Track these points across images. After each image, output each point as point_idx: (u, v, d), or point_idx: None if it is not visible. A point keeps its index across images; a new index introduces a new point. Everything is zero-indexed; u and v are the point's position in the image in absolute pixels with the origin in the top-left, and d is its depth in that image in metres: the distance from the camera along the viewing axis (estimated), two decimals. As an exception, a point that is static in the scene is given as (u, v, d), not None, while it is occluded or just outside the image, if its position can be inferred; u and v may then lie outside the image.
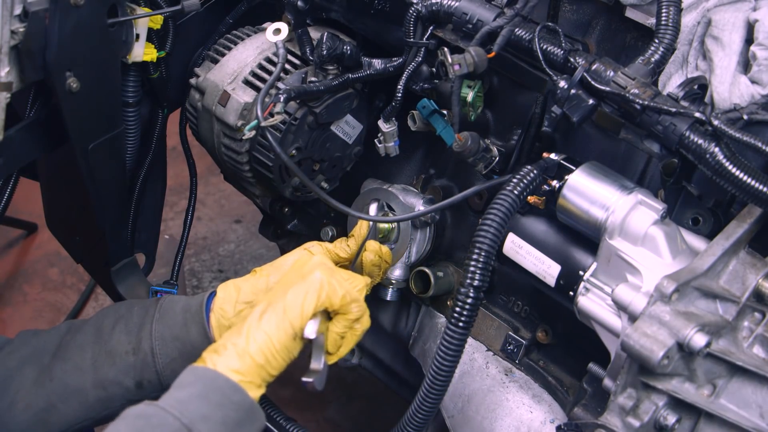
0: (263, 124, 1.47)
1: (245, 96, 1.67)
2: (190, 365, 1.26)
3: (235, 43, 1.76)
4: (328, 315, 1.38)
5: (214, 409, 1.16)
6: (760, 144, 1.22)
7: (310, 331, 1.30)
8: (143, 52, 1.73)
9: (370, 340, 1.96)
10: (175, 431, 1.12)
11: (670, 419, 1.21)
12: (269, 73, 1.68)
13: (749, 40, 1.34)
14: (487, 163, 1.58)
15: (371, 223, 1.63)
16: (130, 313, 1.51)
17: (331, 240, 1.89)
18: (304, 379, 1.34)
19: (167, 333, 1.46)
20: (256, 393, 1.24)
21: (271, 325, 1.28)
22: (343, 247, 1.61)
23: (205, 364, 1.24)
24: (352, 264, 1.59)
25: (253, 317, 1.30)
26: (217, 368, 1.22)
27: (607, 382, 1.32)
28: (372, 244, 1.59)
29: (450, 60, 1.44)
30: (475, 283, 1.31)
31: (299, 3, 1.68)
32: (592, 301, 1.36)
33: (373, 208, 1.70)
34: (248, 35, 1.78)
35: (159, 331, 1.46)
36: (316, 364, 1.36)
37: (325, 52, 1.61)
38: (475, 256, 1.31)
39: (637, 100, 1.28)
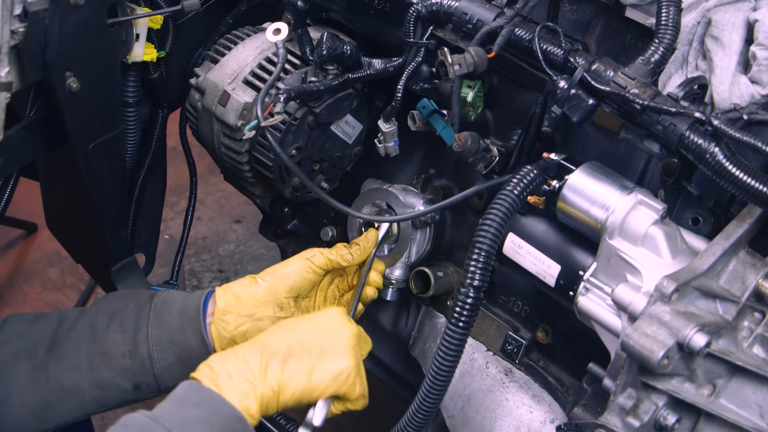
0: (263, 124, 1.47)
1: (245, 96, 1.67)
2: (193, 379, 1.25)
3: (235, 43, 1.76)
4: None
5: None
6: (760, 144, 1.22)
7: (318, 419, 1.32)
8: (143, 52, 1.73)
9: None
10: None
11: (670, 419, 1.21)
12: (269, 73, 1.68)
13: (749, 40, 1.34)
14: (487, 163, 1.58)
15: (379, 234, 1.64)
16: (125, 311, 1.50)
17: (331, 240, 1.89)
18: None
19: (164, 337, 1.46)
20: (254, 422, 1.25)
21: (289, 385, 1.28)
22: (344, 256, 1.60)
23: (214, 384, 1.24)
24: (359, 287, 1.62)
25: (275, 362, 1.29)
26: (223, 395, 1.21)
27: (607, 382, 1.32)
28: (378, 265, 1.65)
29: (450, 60, 1.44)
30: (475, 283, 1.31)
31: (299, 3, 1.68)
32: (592, 301, 1.36)
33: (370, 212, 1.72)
34: (248, 35, 1.78)
35: (156, 336, 1.46)
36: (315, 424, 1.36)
37: (325, 52, 1.61)
38: (475, 256, 1.31)
39: (637, 100, 1.28)
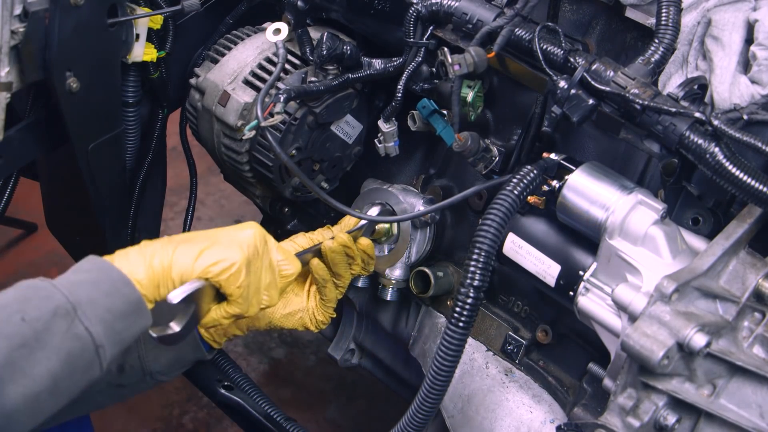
0: (263, 124, 1.47)
1: (245, 96, 1.67)
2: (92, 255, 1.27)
3: (235, 43, 1.76)
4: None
5: (102, 296, 1.17)
6: (760, 144, 1.22)
7: (175, 295, 1.26)
8: (143, 52, 1.73)
9: (370, 340, 1.96)
10: (60, 306, 1.13)
11: (670, 419, 1.21)
12: (269, 73, 1.68)
13: (749, 40, 1.34)
14: (487, 163, 1.58)
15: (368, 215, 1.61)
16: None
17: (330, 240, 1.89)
18: (153, 333, 1.29)
19: None
20: (147, 294, 1.24)
21: (175, 263, 1.27)
22: (325, 233, 1.59)
23: (109, 258, 1.25)
24: (310, 250, 1.54)
25: (170, 245, 1.29)
26: (114, 262, 1.23)
27: (607, 382, 1.32)
28: (340, 235, 1.55)
29: (450, 60, 1.44)
30: (475, 283, 1.31)
31: (299, 3, 1.68)
32: (592, 301, 1.36)
33: (374, 211, 1.70)
34: (248, 35, 1.78)
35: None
36: (175, 326, 1.30)
37: (325, 52, 1.61)
38: (475, 256, 1.31)
39: (637, 100, 1.28)
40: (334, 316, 1.60)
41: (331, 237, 1.56)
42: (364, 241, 1.59)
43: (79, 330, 1.14)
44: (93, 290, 1.18)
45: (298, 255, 1.49)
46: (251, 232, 1.36)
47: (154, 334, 1.29)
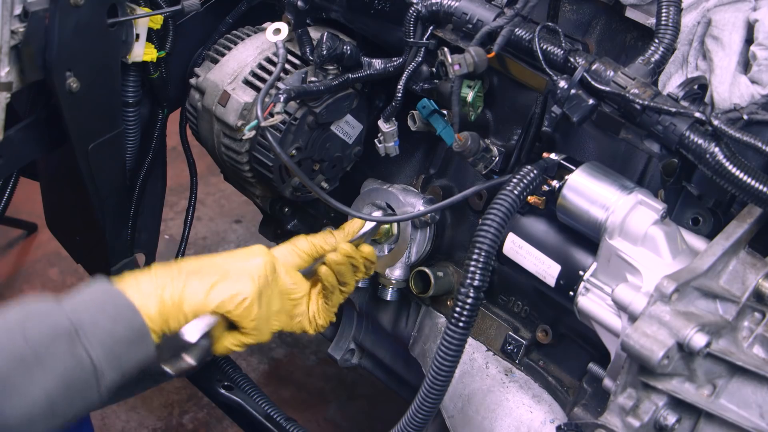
0: (263, 124, 1.47)
1: (245, 96, 1.67)
2: (101, 277, 1.26)
3: (235, 43, 1.76)
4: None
5: (105, 321, 1.17)
6: (760, 144, 1.22)
7: (191, 334, 1.26)
8: (143, 52, 1.73)
9: (370, 340, 1.96)
10: (61, 326, 1.13)
11: (670, 419, 1.21)
12: (269, 73, 1.68)
13: (749, 40, 1.34)
14: (487, 163, 1.58)
15: (366, 223, 1.61)
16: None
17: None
18: (169, 370, 1.28)
19: None
20: (153, 326, 1.23)
21: (187, 299, 1.26)
22: (327, 239, 1.58)
23: (118, 285, 1.24)
24: (315, 264, 1.52)
25: (181, 277, 1.28)
26: (124, 290, 1.22)
27: (607, 382, 1.32)
28: (344, 246, 1.53)
29: (450, 60, 1.44)
30: (475, 283, 1.31)
31: (299, 3, 1.68)
32: (592, 301, 1.36)
33: (377, 215, 1.69)
34: (248, 35, 1.78)
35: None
36: (190, 359, 1.29)
37: (325, 52, 1.61)
38: (475, 256, 1.31)
39: (637, 100, 1.28)
40: (334, 320, 1.59)
41: (333, 243, 1.54)
42: (366, 248, 1.57)
43: (78, 352, 1.13)
44: (97, 314, 1.17)
45: (304, 272, 1.49)
46: (261, 261, 1.36)
47: (171, 371, 1.29)
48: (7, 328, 1.12)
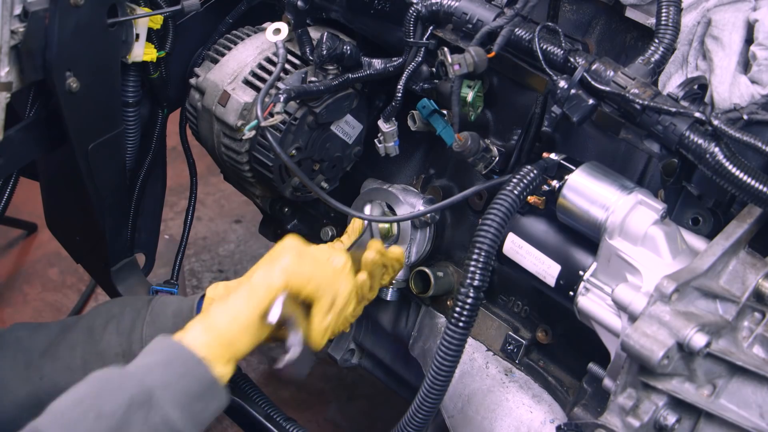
0: (263, 124, 1.47)
1: (245, 96, 1.67)
2: (160, 334, 1.25)
3: (235, 43, 1.76)
4: (305, 305, 1.34)
5: (176, 379, 1.16)
6: (760, 144, 1.22)
7: (273, 315, 1.26)
8: (143, 52, 1.73)
9: (370, 340, 1.96)
10: (134, 396, 1.11)
11: (670, 419, 1.21)
12: (269, 73, 1.68)
13: (749, 40, 1.34)
14: (487, 163, 1.58)
15: (365, 221, 1.61)
16: (122, 314, 1.51)
17: (331, 240, 1.89)
18: (277, 366, 1.29)
19: None
20: (223, 369, 1.22)
21: (237, 303, 1.26)
22: (337, 246, 1.59)
23: (177, 337, 1.23)
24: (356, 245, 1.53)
25: (223, 297, 1.28)
26: (182, 342, 1.21)
27: (607, 382, 1.32)
28: (375, 243, 1.53)
29: (450, 60, 1.44)
30: (475, 283, 1.31)
31: (299, 3, 1.68)
32: (592, 301, 1.36)
33: (367, 209, 1.69)
34: (248, 35, 1.78)
35: (149, 335, 1.46)
36: (290, 348, 1.30)
37: (325, 52, 1.61)
38: (475, 256, 1.31)
39: (637, 100, 1.28)
40: (347, 330, 1.57)
41: (341, 248, 1.54)
42: (396, 249, 1.57)
43: (156, 420, 1.11)
44: (166, 373, 1.16)
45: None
46: (283, 243, 1.35)
47: (280, 365, 1.28)
48: (80, 408, 1.10)
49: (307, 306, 1.34)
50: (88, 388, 1.14)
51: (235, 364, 1.25)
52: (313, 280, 1.32)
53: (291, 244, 1.36)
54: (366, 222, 1.60)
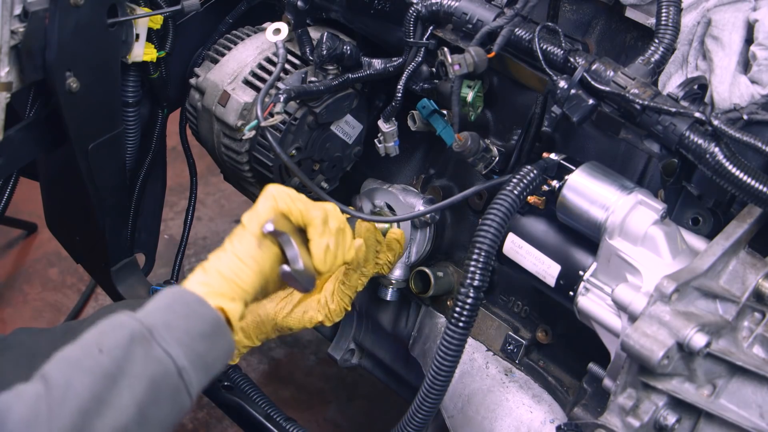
0: (263, 124, 1.47)
1: (245, 96, 1.67)
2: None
3: (235, 43, 1.76)
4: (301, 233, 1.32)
5: (178, 319, 1.15)
6: (760, 144, 1.22)
7: (268, 226, 1.24)
8: (143, 52, 1.74)
9: (370, 340, 1.96)
10: (135, 331, 1.11)
11: (670, 419, 1.21)
12: (269, 73, 1.68)
13: (749, 40, 1.34)
14: (487, 163, 1.58)
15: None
16: None
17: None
18: (284, 267, 1.26)
19: None
20: (229, 306, 1.20)
21: (232, 240, 1.25)
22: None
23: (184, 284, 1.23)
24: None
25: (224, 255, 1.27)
26: (184, 286, 1.21)
27: (607, 382, 1.32)
28: (366, 223, 1.53)
29: (450, 60, 1.44)
30: (475, 283, 1.31)
31: (299, 3, 1.68)
32: (592, 301, 1.36)
33: (368, 206, 1.69)
34: (248, 35, 1.78)
35: None
36: (291, 260, 1.27)
37: (325, 52, 1.61)
38: (475, 256, 1.31)
39: (637, 100, 1.28)
40: (348, 309, 1.57)
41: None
42: (397, 231, 1.60)
43: (157, 353, 1.10)
44: (168, 314, 1.15)
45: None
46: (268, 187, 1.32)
47: (287, 268, 1.26)
48: (85, 347, 1.10)
49: (302, 233, 1.32)
50: (92, 331, 1.14)
51: (245, 303, 1.23)
52: (300, 200, 1.30)
53: (273, 185, 1.35)
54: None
